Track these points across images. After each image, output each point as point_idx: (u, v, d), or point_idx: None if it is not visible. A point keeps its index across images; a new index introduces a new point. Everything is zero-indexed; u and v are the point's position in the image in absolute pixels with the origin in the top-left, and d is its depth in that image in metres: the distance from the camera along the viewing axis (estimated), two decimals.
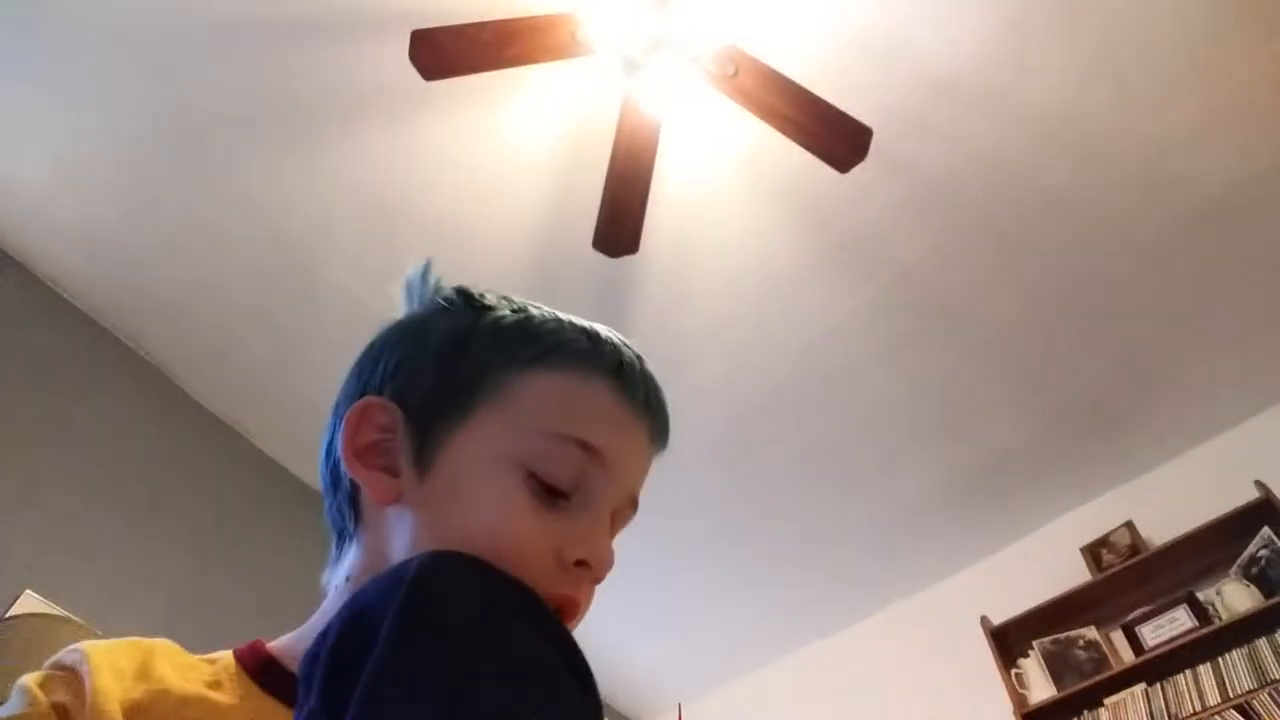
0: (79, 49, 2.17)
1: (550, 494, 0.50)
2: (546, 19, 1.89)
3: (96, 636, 1.92)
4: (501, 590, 0.39)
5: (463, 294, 0.58)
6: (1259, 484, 2.61)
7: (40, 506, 2.36)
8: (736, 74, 1.96)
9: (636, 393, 0.55)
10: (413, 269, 0.62)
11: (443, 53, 1.87)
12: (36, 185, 2.46)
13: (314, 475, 2.81)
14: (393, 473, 0.51)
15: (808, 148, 2.03)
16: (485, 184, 2.40)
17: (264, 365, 2.85)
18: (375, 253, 2.55)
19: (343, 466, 0.52)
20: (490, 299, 0.58)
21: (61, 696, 0.47)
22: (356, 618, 0.37)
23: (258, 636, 0.57)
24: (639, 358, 0.58)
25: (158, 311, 2.74)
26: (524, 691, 0.34)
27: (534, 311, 0.57)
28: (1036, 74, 2.18)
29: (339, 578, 0.54)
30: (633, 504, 0.56)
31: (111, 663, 0.49)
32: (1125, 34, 2.11)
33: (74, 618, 2.10)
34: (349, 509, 0.54)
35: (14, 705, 0.47)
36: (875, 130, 2.02)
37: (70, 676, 0.49)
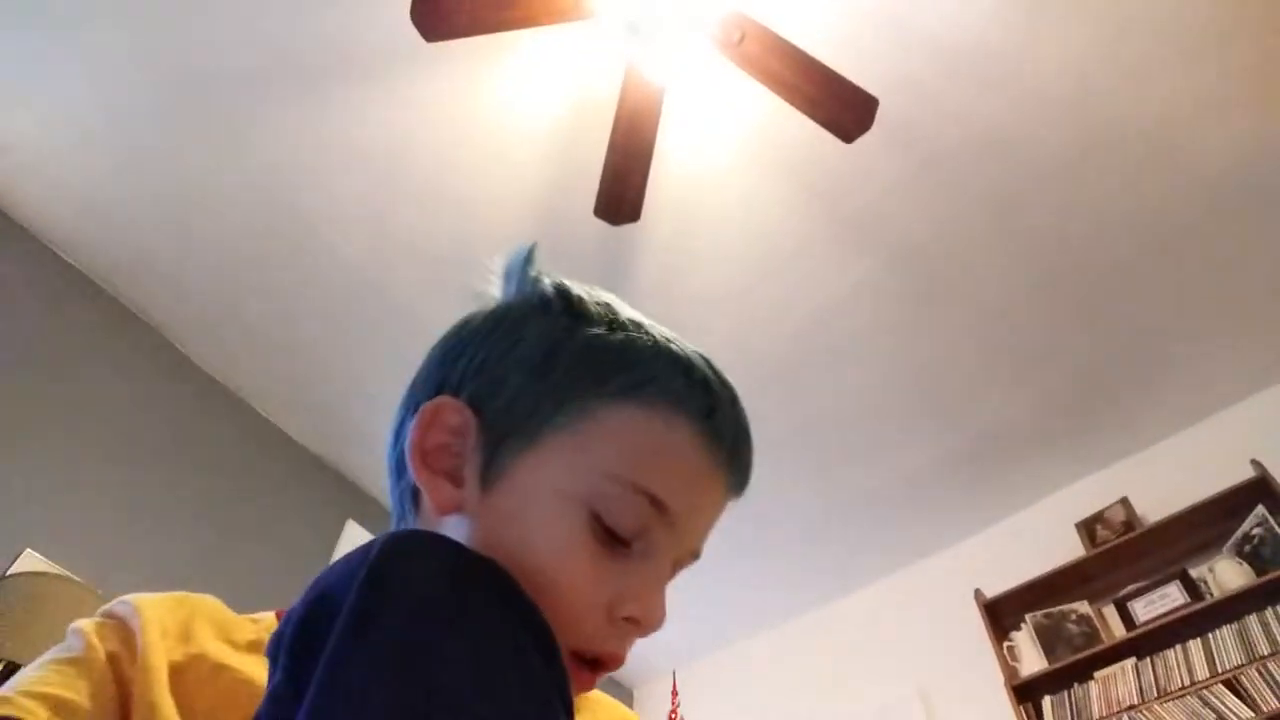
0: (78, 4, 2.14)
1: (610, 538, 0.47)
2: None
3: (96, 596, 1.94)
4: (466, 565, 0.38)
5: (564, 296, 0.54)
6: (1255, 463, 2.62)
7: (40, 466, 2.36)
8: (742, 41, 1.94)
9: (723, 442, 0.51)
10: (516, 252, 0.57)
11: (444, 12, 1.85)
12: (33, 143, 2.43)
13: (309, 437, 2.84)
14: (456, 481, 0.49)
15: (813, 117, 2.01)
16: (486, 147, 2.38)
17: (262, 327, 2.85)
18: (374, 213, 2.53)
19: (408, 460, 0.50)
20: (593, 307, 0.53)
21: (114, 646, 0.49)
22: (321, 596, 0.36)
23: (257, 599, 0.58)
24: (732, 398, 0.53)
25: (155, 272, 2.73)
26: (484, 661, 0.34)
27: (634, 335, 0.52)
28: (1043, 48, 2.15)
29: None
30: (694, 555, 0.53)
31: (160, 619, 0.51)
32: (1133, 9, 2.08)
33: (74, 577, 2.11)
34: (410, 502, 0.52)
35: (71, 648, 0.49)
36: (881, 101, 2.00)
37: (121, 627, 0.50)
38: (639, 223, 2.23)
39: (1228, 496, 2.60)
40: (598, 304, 0.54)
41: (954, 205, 2.45)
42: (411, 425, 0.50)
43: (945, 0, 2.07)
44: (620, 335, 0.52)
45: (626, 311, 0.55)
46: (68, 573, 2.18)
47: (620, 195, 2.14)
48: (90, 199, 2.55)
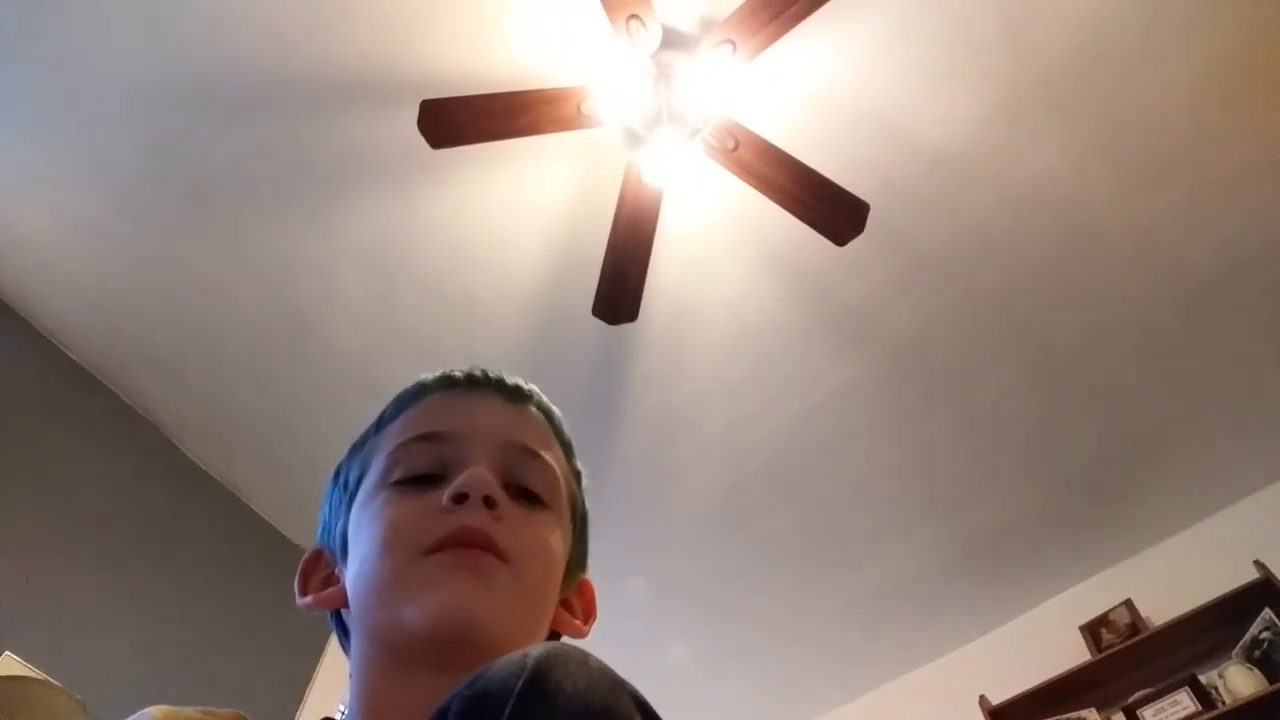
0: (92, 109, 2.22)
1: (420, 483, 0.54)
2: (554, 92, 1.94)
3: (77, 702, 1.88)
4: (617, 679, 0.40)
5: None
6: (1258, 564, 2.58)
7: (24, 563, 2.32)
8: (737, 148, 2.01)
9: (462, 380, 0.62)
10: None
11: (451, 122, 1.92)
12: (44, 240, 2.48)
13: (305, 536, 2.80)
14: (338, 581, 0.57)
15: (806, 221, 2.07)
16: (488, 248, 2.44)
17: (258, 424, 2.85)
18: (376, 313, 2.57)
19: (303, 606, 0.58)
20: None
21: None
22: (482, 694, 0.38)
23: (245, 702, 0.59)
24: (476, 368, 0.64)
25: (156, 367, 2.74)
26: None
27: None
28: (1027, 153, 2.23)
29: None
30: (519, 448, 0.58)
31: None
32: (1113, 116, 2.16)
33: (54, 681, 2.05)
34: (340, 631, 0.59)
35: None
36: (872, 204, 2.06)
37: None
38: (636, 321, 2.26)
39: (1233, 599, 2.56)
40: None
41: (945, 303, 2.49)
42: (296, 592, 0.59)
43: (931, 106, 2.16)
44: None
45: None
46: (48, 677, 2.12)
47: (618, 295, 2.18)
48: (90, 290, 2.58)
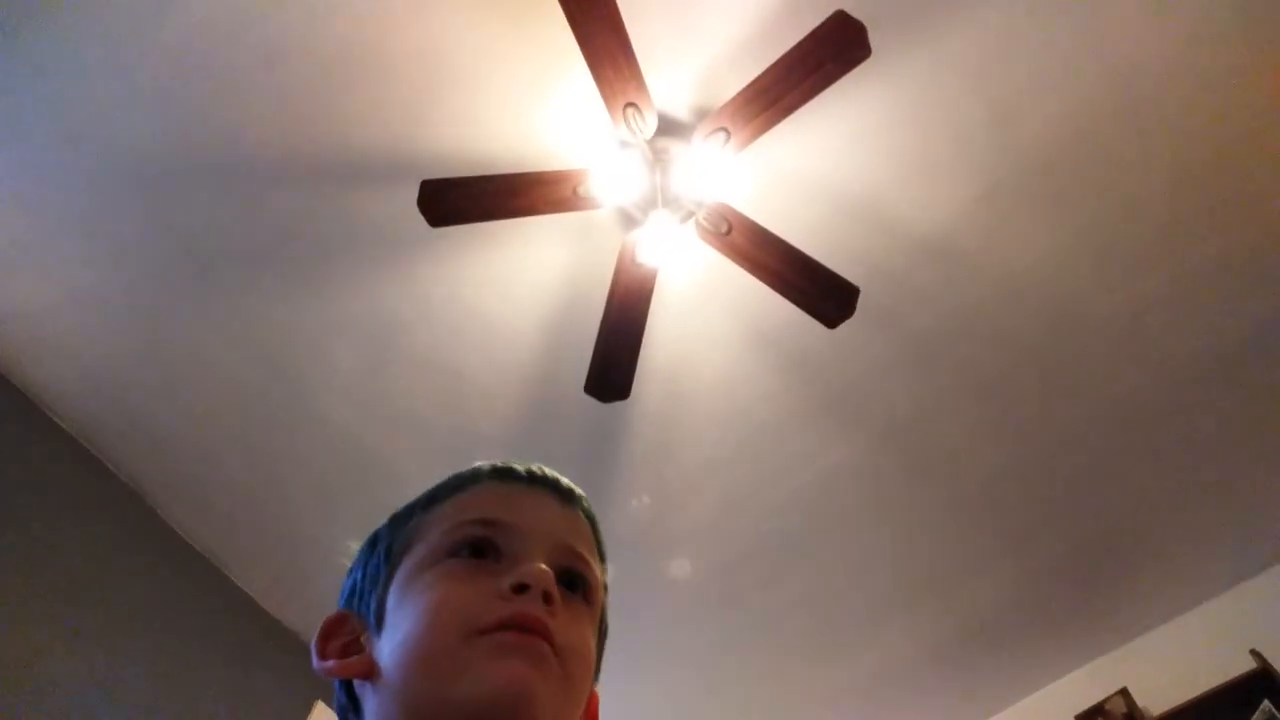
0: (91, 181, 2.24)
1: (476, 556, 0.56)
2: (552, 174, 1.99)
3: None
4: None
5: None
6: (1254, 653, 2.55)
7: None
8: (729, 231, 2.05)
9: (520, 475, 0.63)
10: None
11: (450, 202, 1.96)
12: (37, 308, 2.49)
13: (292, 615, 2.74)
14: (363, 651, 0.57)
15: (798, 304, 2.10)
16: (482, 325, 2.46)
17: (246, 496, 2.82)
18: (369, 387, 2.57)
19: (319, 672, 0.57)
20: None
21: None
22: None
23: None
24: (526, 463, 0.65)
25: (144, 437, 2.72)
26: None
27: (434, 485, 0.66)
28: (1014, 240, 2.28)
29: None
30: (574, 554, 0.59)
31: None
32: (1096, 205, 2.22)
33: None
34: (348, 701, 0.58)
35: None
36: (862, 288, 2.10)
37: None
38: (628, 399, 2.28)
39: (1230, 688, 2.52)
40: None
41: (934, 387, 2.51)
42: (312, 654, 0.59)
43: (920, 194, 2.21)
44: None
45: None
46: None
47: (611, 374, 2.20)
48: (81, 358, 2.58)
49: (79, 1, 1.96)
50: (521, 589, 0.52)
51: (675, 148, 2.05)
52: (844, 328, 2.16)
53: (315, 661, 0.58)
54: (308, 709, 2.97)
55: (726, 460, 2.68)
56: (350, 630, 0.59)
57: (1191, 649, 2.84)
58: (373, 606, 0.58)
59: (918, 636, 3.03)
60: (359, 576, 0.63)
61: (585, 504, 0.65)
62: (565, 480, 0.65)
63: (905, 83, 2.05)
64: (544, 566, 0.54)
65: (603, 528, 0.65)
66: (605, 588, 0.65)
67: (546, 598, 0.53)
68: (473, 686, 0.48)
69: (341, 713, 0.59)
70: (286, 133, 2.16)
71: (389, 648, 0.54)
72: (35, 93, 2.11)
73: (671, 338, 2.45)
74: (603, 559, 0.64)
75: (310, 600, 2.99)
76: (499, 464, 0.64)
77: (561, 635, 0.52)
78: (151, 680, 2.56)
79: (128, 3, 1.96)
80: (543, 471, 0.64)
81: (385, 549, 0.61)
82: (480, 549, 0.56)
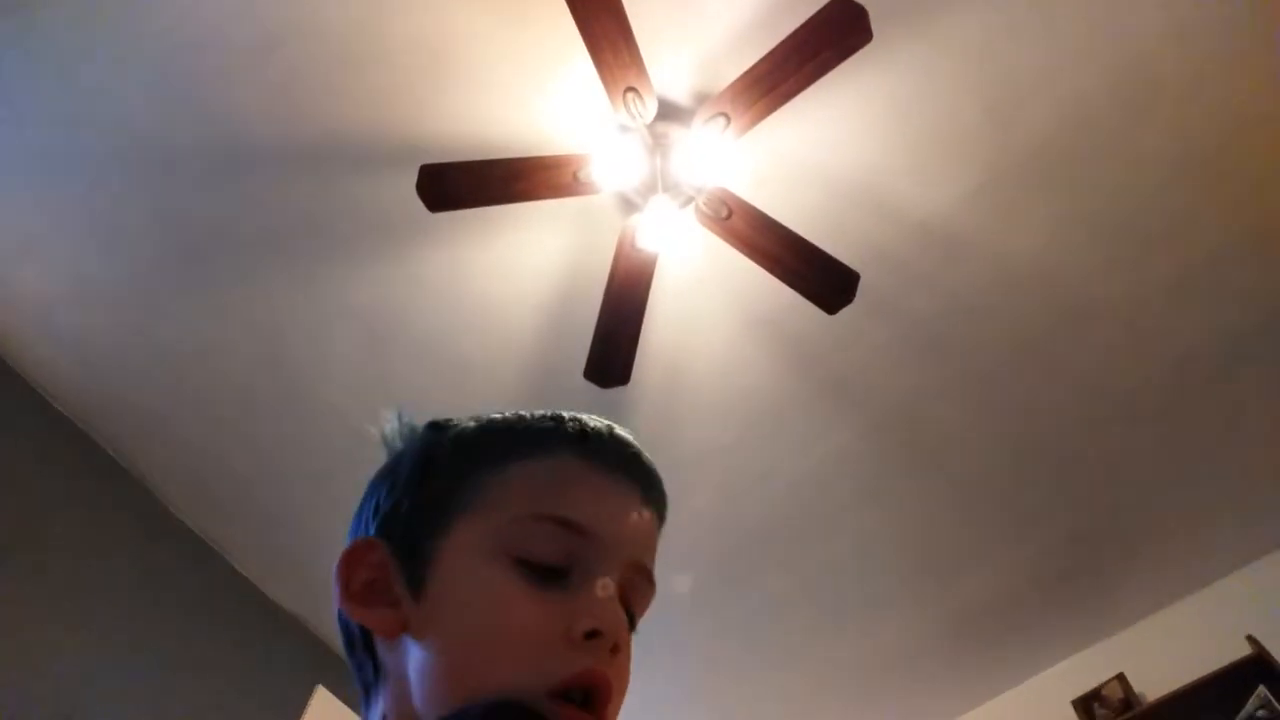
0: (90, 167, 2.24)
1: (544, 574, 0.49)
2: (552, 159, 1.99)
3: None
4: None
5: (430, 424, 0.60)
6: (1251, 639, 2.57)
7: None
8: (729, 216, 2.05)
9: (608, 456, 0.55)
10: (386, 424, 0.62)
11: (450, 187, 1.96)
12: (37, 295, 2.49)
13: (291, 600, 2.76)
14: (394, 605, 0.51)
15: (797, 289, 2.10)
16: (482, 311, 2.46)
17: (247, 485, 2.82)
18: (369, 376, 2.57)
19: (343, 608, 0.52)
20: (456, 419, 0.59)
21: None
22: None
23: None
24: (608, 426, 0.58)
25: (144, 423, 2.73)
26: None
27: (495, 416, 0.58)
28: (1013, 227, 2.27)
29: None
30: (642, 574, 0.55)
31: None
32: (1098, 192, 2.22)
33: None
34: (367, 659, 0.53)
35: None
36: (862, 274, 2.10)
37: None
38: (627, 385, 2.27)
39: (1226, 674, 2.53)
40: (461, 418, 0.59)
41: (933, 374, 2.51)
42: (334, 577, 0.52)
43: (920, 181, 2.21)
44: (483, 422, 0.58)
45: (494, 412, 0.59)
46: None
47: (610, 359, 2.20)
48: (81, 345, 2.58)
49: None
50: (593, 635, 0.48)
51: (675, 133, 2.04)
52: (844, 313, 2.16)
53: (337, 594, 0.52)
54: (309, 693, 2.98)
55: (726, 446, 2.68)
56: (379, 563, 0.53)
57: (1188, 635, 2.85)
58: (414, 555, 0.52)
59: (915, 623, 3.05)
60: (404, 503, 0.55)
61: (665, 505, 0.59)
62: (653, 468, 0.58)
63: (906, 69, 2.04)
64: (619, 611, 0.49)
65: None
66: None
67: (615, 647, 0.48)
68: None
69: (360, 673, 0.55)
70: (287, 119, 2.16)
71: (428, 638, 0.49)
72: (36, 80, 2.10)
73: (671, 323, 2.45)
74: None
75: (310, 585, 3.00)
76: (582, 426, 0.56)
77: (616, 685, 0.48)
78: (150, 665, 2.57)
79: None
80: (631, 453, 0.57)
81: (443, 490, 0.54)
82: (552, 567, 0.50)
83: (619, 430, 0.58)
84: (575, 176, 2.00)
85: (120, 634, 2.54)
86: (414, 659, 0.49)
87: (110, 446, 2.79)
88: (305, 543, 2.90)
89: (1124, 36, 1.99)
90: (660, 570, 0.59)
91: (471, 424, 0.58)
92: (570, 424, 0.56)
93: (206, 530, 2.95)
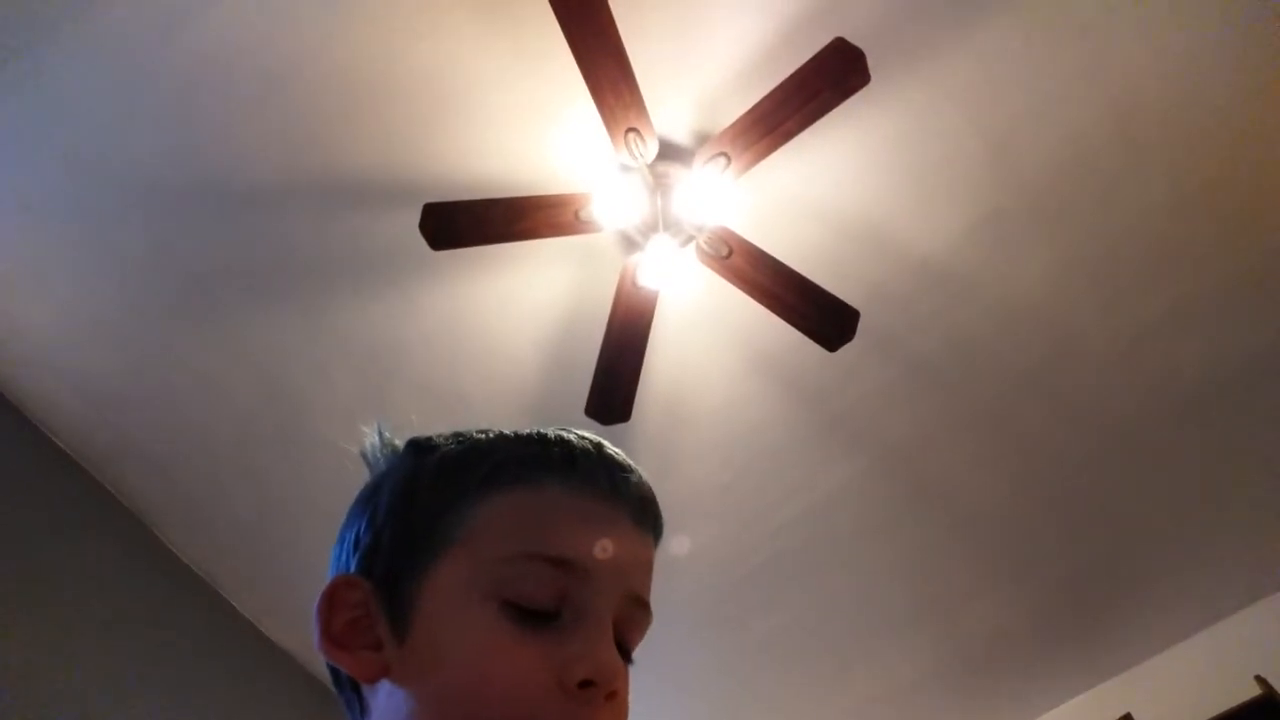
0: (92, 201, 2.25)
1: (534, 618, 0.46)
2: (554, 198, 2.00)
3: None
4: None
5: (411, 444, 0.58)
6: (1259, 679, 2.54)
7: None
8: (730, 255, 2.06)
9: (597, 481, 0.52)
10: (367, 439, 0.60)
11: (452, 225, 1.97)
12: (36, 327, 2.49)
13: (287, 637, 2.73)
14: (376, 648, 0.49)
15: (798, 327, 2.10)
16: (483, 347, 2.46)
17: (246, 521, 2.81)
18: (369, 412, 2.55)
19: (322, 652, 0.50)
20: (439, 439, 0.56)
21: None
22: None
23: None
24: (596, 445, 0.54)
25: (141, 456, 2.71)
26: None
27: (478, 437, 0.55)
28: (1012, 266, 2.28)
29: None
30: (638, 605, 0.52)
31: None
32: (1095, 231, 2.23)
33: None
34: (354, 697, 0.52)
35: None
36: (862, 312, 2.10)
37: None
38: (628, 422, 2.27)
39: (1234, 715, 2.50)
40: (445, 435, 0.56)
41: (935, 410, 2.51)
42: (315, 616, 0.50)
43: (919, 218, 2.22)
44: (466, 444, 0.54)
45: (476, 430, 0.56)
46: None
47: (611, 396, 2.20)
48: (84, 381, 2.58)
49: (82, 25, 1.97)
50: (587, 684, 0.45)
51: (676, 172, 2.06)
52: (844, 351, 2.16)
53: (317, 636, 0.49)
54: None
55: (726, 483, 2.67)
56: (360, 602, 0.50)
57: (1196, 675, 2.82)
58: (397, 594, 0.49)
59: (919, 661, 3.01)
60: (385, 535, 0.52)
61: (660, 525, 0.57)
62: (646, 487, 0.55)
63: (905, 109, 2.06)
64: (614, 656, 0.47)
65: None
66: None
67: (611, 695, 0.46)
68: None
69: (336, 683, 0.53)
70: (288, 155, 2.17)
71: (412, 687, 0.47)
72: (38, 113, 2.12)
73: (672, 361, 2.45)
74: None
75: (308, 622, 2.96)
76: (570, 449, 0.53)
77: None
78: (148, 703, 2.54)
79: (130, 27, 1.97)
80: (622, 475, 0.54)
81: (426, 522, 0.50)
82: (543, 607, 0.47)
83: (608, 449, 0.55)
84: (577, 215, 2.01)
85: (117, 671, 2.51)
86: (396, 706, 0.47)
87: (109, 482, 2.77)
88: (304, 579, 2.87)
89: (1120, 76, 2.02)
90: (658, 593, 0.57)
91: (454, 446, 0.55)
92: (557, 447, 0.53)
93: (204, 566, 2.92)
